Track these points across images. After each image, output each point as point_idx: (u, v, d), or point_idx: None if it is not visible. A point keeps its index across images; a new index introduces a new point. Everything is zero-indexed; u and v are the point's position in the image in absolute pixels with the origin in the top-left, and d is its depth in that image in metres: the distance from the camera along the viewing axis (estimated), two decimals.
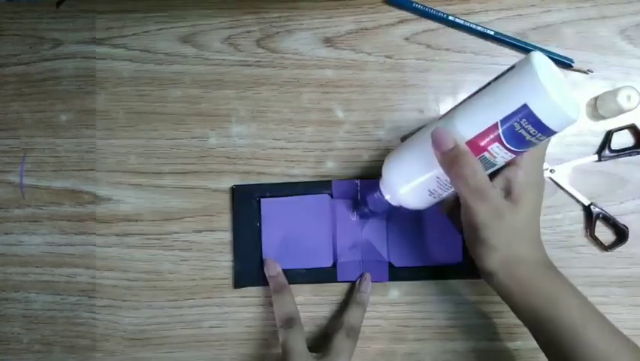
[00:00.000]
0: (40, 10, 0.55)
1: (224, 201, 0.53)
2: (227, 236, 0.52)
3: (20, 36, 0.54)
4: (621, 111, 0.51)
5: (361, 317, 0.50)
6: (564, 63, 0.53)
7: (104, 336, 0.52)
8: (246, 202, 0.52)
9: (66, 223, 0.53)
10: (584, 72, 0.53)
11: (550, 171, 0.52)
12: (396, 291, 0.52)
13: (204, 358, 0.52)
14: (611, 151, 0.52)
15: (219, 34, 0.54)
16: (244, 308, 0.52)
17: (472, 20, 0.53)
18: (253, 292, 0.52)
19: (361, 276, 0.51)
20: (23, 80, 0.54)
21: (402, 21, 0.54)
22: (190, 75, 0.53)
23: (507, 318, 0.51)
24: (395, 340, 0.52)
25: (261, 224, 0.52)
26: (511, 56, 0.53)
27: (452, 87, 0.53)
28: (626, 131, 0.53)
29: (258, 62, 0.53)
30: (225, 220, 0.52)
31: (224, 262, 0.52)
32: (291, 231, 0.52)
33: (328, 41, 0.54)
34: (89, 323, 0.52)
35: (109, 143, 0.53)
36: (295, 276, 0.51)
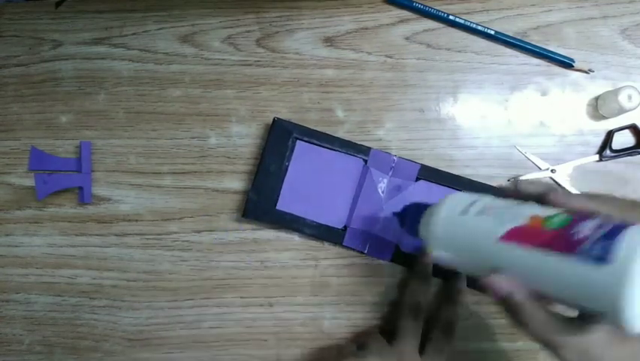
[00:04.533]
0: (39, 11, 0.55)
1: (224, 201, 0.52)
2: (226, 236, 0.52)
3: (20, 37, 0.54)
4: (622, 111, 0.50)
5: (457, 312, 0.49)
6: (565, 63, 0.53)
7: (103, 336, 0.52)
8: (283, 138, 0.51)
9: (67, 225, 0.53)
10: (585, 72, 0.53)
11: (551, 171, 0.52)
12: (397, 291, 0.52)
13: (204, 358, 0.52)
14: (612, 151, 0.52)
15: (219, 33, 0.54)
16: (244, 308, 0.52)
17: (473, 20, 0.53)
18: (252, 293, 0.52)
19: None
20: (23, 82, 0.54)
21: (402, 21, 0.54)
22: (190, 75, 0.53)
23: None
24: None
25: (289, 164, 0.51)
26: (512, 56, 0.53)
27: (453, 87, 0.53)
28: (627, 131, 0.53)
29: (258, 61, 0.53)
30: (225, 220, 0.52)
31: (224, 262, 0.52)
32: (315, 181, 0.51)
33: (328, 41, 0.54)
34: (90, 324, 0.52)
35: (108, 143, 0.53)
36: (303, 226, 0.51)
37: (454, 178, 0.51)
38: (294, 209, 0.51)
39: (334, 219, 0.51)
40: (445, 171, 0.51)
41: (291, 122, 0.51)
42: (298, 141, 0.51)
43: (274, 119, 0.51)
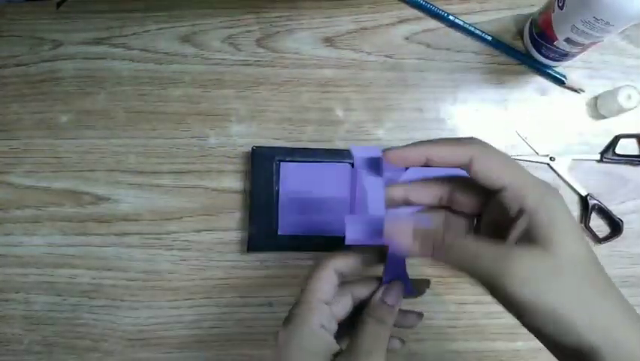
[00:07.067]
0: (40, 11, 0.55)
1: (224, 201, 0.52)
2: (226, 235, 0.52)
3: (20, 37, 0.54)
4: (621, 110, 0.51)
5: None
6: (557, 79, 0.53)
7: (102, 336, 0.52)
8: (265, 165, 0.51)
9: (66, 224, 0.53)
10: (576, 91, 0.53)
11: (551, 158, 0.52)
12: None
13: (203, 358, 0.52)
14: (615, 155, 0.52)
15: (219, 33, 0.54)
16: (244, 308, 0.52)
17: (471, 20, 0.53)
18: (252, 292, 0.52)
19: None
20: (23, 81, 0.54)
21: (402, 21, 0.54)
22: (190, 75, 0.53)
23: (507, 318, 0.50)
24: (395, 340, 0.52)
25: (279, 187, 0.51)
26: (510, 56, 0.53)
27: (452, 87, 0.53)
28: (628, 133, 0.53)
29: (258, 61, 0.53)
30: (225, 220, 0.52)
31: (224, 262, 0.52)
32: (309, 197, 0.51)
33: (328, 41, 0.54)
34: (90, 324, 0.52)
35: (108, 142, 0.53)
36: (309, 243, 0.51)
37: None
38: (295, 230, 0.51)
39: (337, 228, 0.51)
40: None
41: (270, 147, 0.52)
42: (282, 163, 0.51)
43: (252, 148, 0.51)
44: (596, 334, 0.28)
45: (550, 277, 0.28)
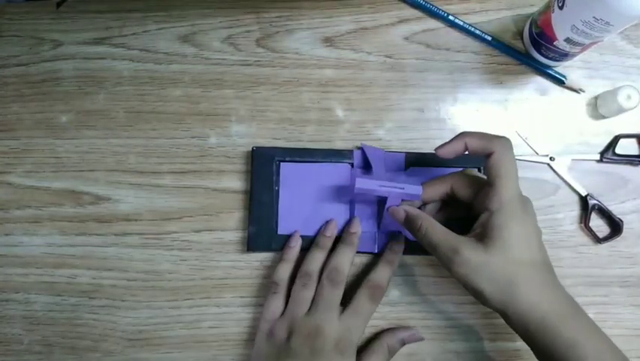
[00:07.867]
0: (40, 11, 0.55)
1: (224, 201, 0.52)
2: (226, 235, 0.52)
3: (20, 37, 0.55)
4: (621, 110, 0.51)
5: (388, 277, 0.49)
6: (557, 79, 0.53)
7: (102, 336, 0.52)
8: (266, 165, 0.51)
9: (66, 224, 0.53)
10: (576, 91, 0.53)
11: (551, 158, 0.52)
12: (396, 291, 0.52)
13: (203, 358, 0.51)
14: (615, 155, 0.52)
15: (219, 33, 0.54)
16: (243, 308, 0.52)
17: (471, 20, 0.53)
18: (252, 292, 0.52)
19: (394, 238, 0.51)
20: (23, 81, 0.54)
21: (401, 21, 0.54)
22: (190, 75, 0.53)
23: None
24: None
25: (279, 188, 0.51)
26: (510, 56, 0.53)
27: (452, 87, 0.53)
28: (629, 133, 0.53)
29: (258, 61, 0.54)
30: (224, 220, 0.52)
31: (224, 262, 0.52)
32: (309, 197, 0.51)
33: (328, 41, 0.54)
34: (90, 324, 0.52)
35: (108, 142, 0.53)
36: (310, 244, 0.51)
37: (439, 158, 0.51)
38: (295, 230, 0.51)
39: (338, 228, 0.51)
40: (430, 153, 0.51)
41: (271, 147, 0.52)
42: (282, 163, 0.51)
43: (253, 148, 0.51)
44: (505, 303, 0.40)
45: (482, 267, 0.40)
